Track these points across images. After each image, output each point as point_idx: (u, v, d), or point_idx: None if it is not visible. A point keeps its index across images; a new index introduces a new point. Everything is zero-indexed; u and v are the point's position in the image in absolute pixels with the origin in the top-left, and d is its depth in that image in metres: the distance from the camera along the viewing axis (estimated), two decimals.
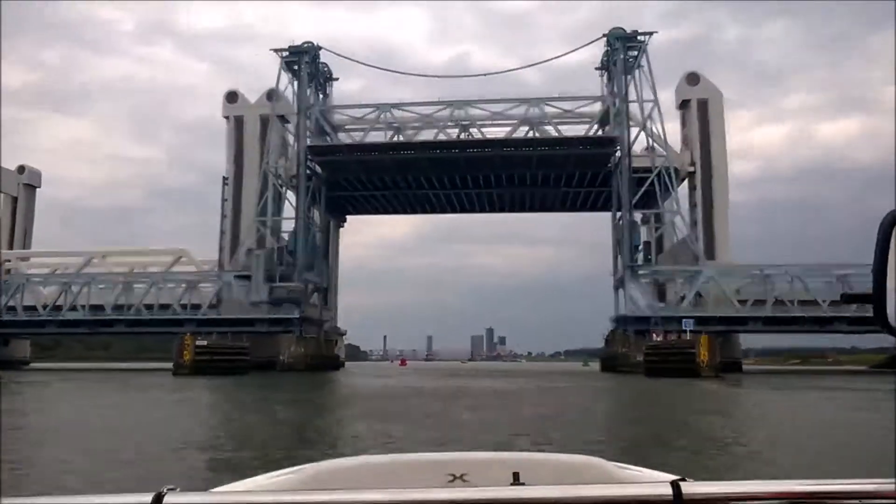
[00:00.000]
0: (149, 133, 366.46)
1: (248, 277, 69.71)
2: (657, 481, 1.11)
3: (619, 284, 73.70)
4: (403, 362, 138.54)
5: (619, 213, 75.25)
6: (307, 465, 1.78)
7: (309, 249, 73.35)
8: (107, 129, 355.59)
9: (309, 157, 75.41)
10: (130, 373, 56.79)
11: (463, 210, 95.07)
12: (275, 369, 61.50)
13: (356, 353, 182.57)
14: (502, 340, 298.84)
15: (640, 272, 70.98)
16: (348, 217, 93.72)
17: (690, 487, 1.05)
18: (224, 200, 77.78)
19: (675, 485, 1.04)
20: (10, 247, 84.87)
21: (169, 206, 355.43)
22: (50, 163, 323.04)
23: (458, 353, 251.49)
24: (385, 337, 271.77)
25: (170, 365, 56.42)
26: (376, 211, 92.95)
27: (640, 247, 71.19)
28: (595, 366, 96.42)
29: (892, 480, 1.05)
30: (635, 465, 1.88)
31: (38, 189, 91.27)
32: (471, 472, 1.66)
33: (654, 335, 62.98)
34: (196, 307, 70.60)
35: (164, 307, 70.62)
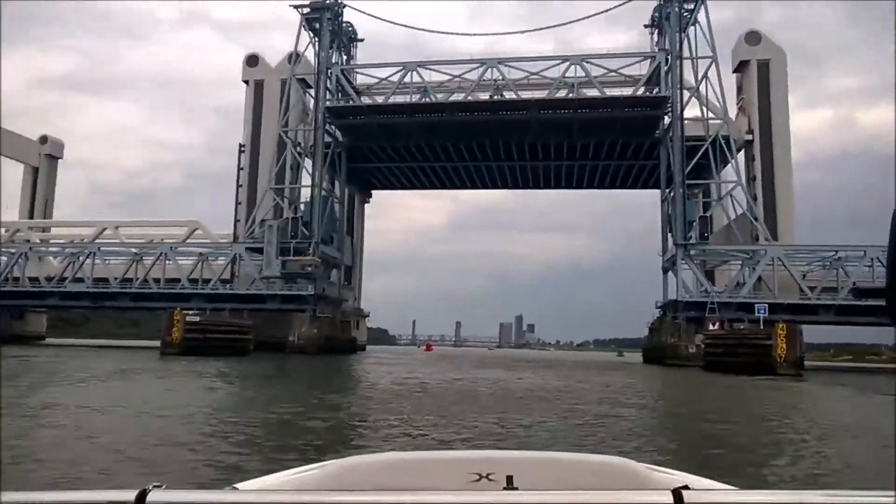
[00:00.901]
0: (188, 118, 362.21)
1: (260, 250, 59.77)
2: (662, 488, 1.02)
3: (670, 266, 61.42)
4: (429, 347, 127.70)
5: (668, 189, 62.79)
6: (331, 462, 1.66)
7: (326, 221, 62.76)
8: (148, 114, 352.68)
9: (328, 119, 64.66)
10: (122, 350, 47.50)
11: (494, 186, 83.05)
12: (284, 351, 51.92)
13: (384, 337, 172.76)
14: (531, 328, 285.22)
15: (692, 252, 58.38)
16: (374, 192, 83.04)
17: (693, 496, 0.96)
18: (240, 169, 67.82)
19: (676, 493, 0.97)
20: (31, 217, 77.20)
21: (207, 188, 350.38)
22: (92, 146, 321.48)
23: (487, 339, 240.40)
24: (414, 322, 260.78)
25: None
26: (402, 186, 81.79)
27: (696, 222, 58.45)
28: (632, 357, 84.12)
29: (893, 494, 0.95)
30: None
31: (59, 160, 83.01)
32: (497, 472, 1.52)
33: (711, 324, 51.51)
34: (207, 282, 61.09)
35: (174, 281, 61.30)
